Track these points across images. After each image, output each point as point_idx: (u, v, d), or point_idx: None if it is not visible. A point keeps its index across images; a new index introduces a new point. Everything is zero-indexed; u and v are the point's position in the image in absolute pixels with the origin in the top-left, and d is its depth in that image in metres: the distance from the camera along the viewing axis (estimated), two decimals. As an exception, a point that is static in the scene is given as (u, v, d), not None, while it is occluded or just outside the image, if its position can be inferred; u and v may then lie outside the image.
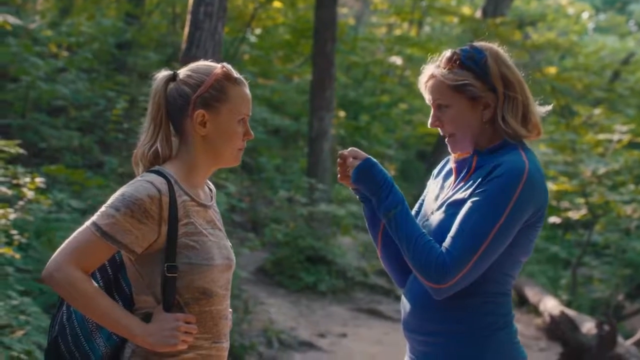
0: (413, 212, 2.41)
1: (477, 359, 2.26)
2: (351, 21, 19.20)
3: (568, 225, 12.55)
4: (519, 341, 2.33)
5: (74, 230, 2.19)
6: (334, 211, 10.09)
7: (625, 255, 11.16)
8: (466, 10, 17.52)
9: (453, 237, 2.20)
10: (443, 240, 2.22)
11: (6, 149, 5.09)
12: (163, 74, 2.28)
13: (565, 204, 11.09)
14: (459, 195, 2.29)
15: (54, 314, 2.27)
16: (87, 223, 2.14)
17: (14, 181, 5.08)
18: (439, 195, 2.42)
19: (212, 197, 2.35)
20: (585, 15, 23.96)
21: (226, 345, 2.29)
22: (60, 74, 9.48)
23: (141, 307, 2.19)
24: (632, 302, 10.90)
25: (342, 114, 14.31)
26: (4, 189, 4.83)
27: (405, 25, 17.77)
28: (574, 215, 10.75)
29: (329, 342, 7.68)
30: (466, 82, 2.29)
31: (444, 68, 2.33)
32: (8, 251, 4.57)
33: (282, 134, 14.13)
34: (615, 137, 10.96)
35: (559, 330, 8.50)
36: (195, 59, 2.50)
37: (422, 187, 2.58)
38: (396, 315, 8.52)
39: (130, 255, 2.16)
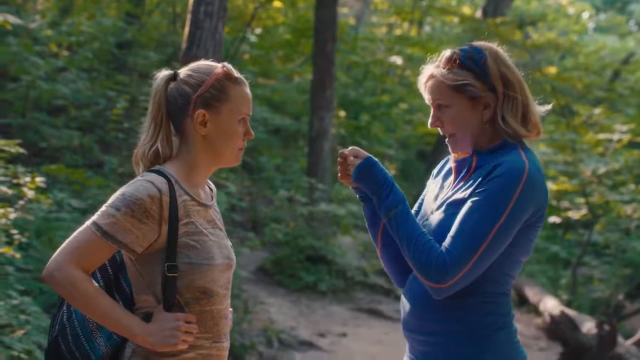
0: (412, 212, 2.41)
1: (477, 358, 2.26)
2: (351, 21, 19.21)
3: (568, 225, 12.56)
4: (518, 341, 2.33)
5: (74, 229, 2.19)
6: (334, 211, 10.10)
7: (625, 255, 11.17)
8: (466, 10, 17.54)
9: (453, 237, 2.20)
10: (443, 239, 2.22)
11: (6, 148, 5.09)
12: (164, 73, 2.28)
13: (565, 203, 11.10)
14: (459, 195, 2.29)
15: (54, 313, 2.27)
16: (88, 223, 2.14)
17: (14, 181, 5.09)
18: (438, 195, 2.42)
19: (212, 197, 2.35)
20: (585, 15, 23.97)
21: (226, 344, 2.30)
22: (61, 73, 9.49)
23: (141, 307, 2.19)
24: (632, 302, 10.90)
25: (342, 113, 14.31)
26: (4, 188, 4.83)
27: (406, 25, 17.78)
28: (574, 215, 10.76)
29: (329, 341, 7.68)
30: (466, 82, 2.29)
31: (444, 68, 2.33)
32: (8, 251, 4.57)
33: (283, 133, 14.14)
34: (616, 136, 10.97)
35: (559, 330, 8.50)
36: (196, 58, 2.50)
37: (422, 186, 2.58)
38: (396, 315, 8.52)
39: (130, 255, 2.16)
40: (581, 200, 10.83)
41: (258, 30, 14.47)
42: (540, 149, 10.77)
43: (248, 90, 2.29)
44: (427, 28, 19.10)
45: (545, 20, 19.96)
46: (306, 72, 14.57)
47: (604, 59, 17.02)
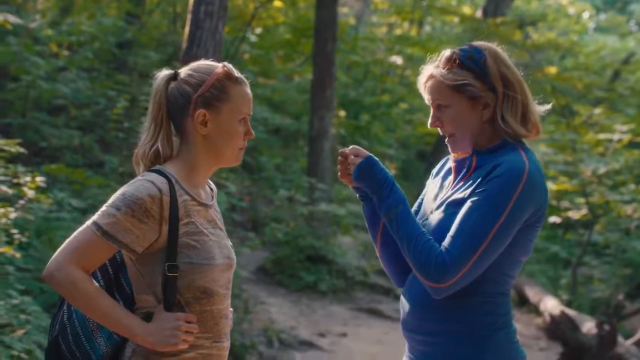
0: (412, 212, 2.41)
1: (476, 358, 2.26)
2: (352, 21, 19.21)
3: (568, 225, 12.56)
4: (518, 341, 2.32)
5: (74, 229, 2.19)
6: (334, 211, 10.10)
7: (626, 255, 11.16)
8: (467, 9, 17.55)
9: (453, 237, 2.20)
10: (442, 239, 2.22)
11: (7, 148, 5.09)
12: (164, 73, 2.28)
13: (565, 203, 11.09)
14: (459, 195, 2.29)
15: (54, 313, 2.27)
16: (88, 222, 2.14)
17: (15, 180, 5.09)
18: (438, 194, 2.41)
19: (213, 197, 2.35)
20: (585, 15, 23.97)
21: (227, 344, 2.30)
22: (61, 73, 9.50)
23: (142, 307, 2.19)
24: (632, 302, 10.90)
25: (342, 113, 14.32)
26: (4, 188, 4.83)
27: (406, 24, 17.78)
28: (574, 215, 10.76)
29: (329, 341, 7.68)
30: (465, 82, 2.29)
31: (443, 68, 2.32)
32: (8, 250, 4.58)
33: (283, 133, 14.14)
34: (616, 136, 10.97)
35: (559, 330, 8.50)
36: (196, 58, 2.50)
37: (422, 186, 2.58)
38: (396, 315, 8.51)
39: (131, 255, 2.16)
40: (581, 200, 10.83)
41: (258, 30, 14.48)
42: (540, 149, 10.77)
43: (248, 90, 2.29)
44: (427, 28, 19.11)
45: (546, 20, 19.96)
46: (306, 72, 14.57)
47: (604, 59, 17.02)
